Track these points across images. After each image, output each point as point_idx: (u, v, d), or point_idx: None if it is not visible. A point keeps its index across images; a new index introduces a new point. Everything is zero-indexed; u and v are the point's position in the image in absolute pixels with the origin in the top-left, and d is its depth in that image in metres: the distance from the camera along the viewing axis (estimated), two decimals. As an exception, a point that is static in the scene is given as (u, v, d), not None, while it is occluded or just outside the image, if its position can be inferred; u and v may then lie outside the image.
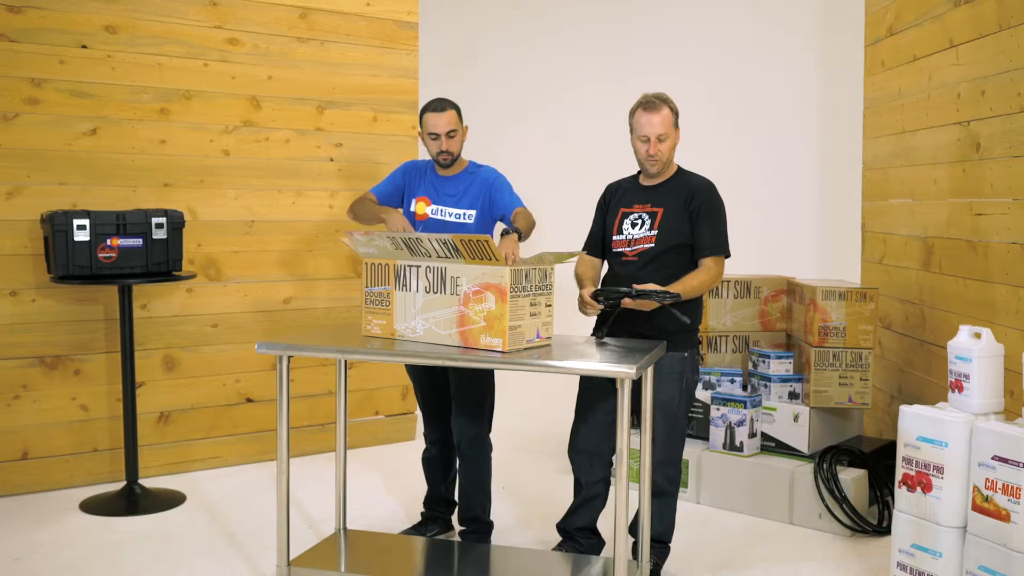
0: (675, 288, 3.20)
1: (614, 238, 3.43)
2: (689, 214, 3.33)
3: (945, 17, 4.16)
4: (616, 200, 3.49)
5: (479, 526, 3.70)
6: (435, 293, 3.10)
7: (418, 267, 3.13)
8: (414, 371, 3.83)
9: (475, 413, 3.63)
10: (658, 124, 3.31)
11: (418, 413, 5.03)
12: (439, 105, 3.67)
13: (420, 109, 3.78)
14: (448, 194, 3.70)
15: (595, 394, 3.38)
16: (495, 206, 3.67)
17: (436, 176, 3.75)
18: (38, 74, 4.25)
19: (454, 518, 3.85)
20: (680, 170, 3.45)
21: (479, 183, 3.69)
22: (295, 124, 4.91)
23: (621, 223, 3.42)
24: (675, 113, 3.37)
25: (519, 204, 3.67)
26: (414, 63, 5.26)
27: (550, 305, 3.08)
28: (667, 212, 3.34)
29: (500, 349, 2.94)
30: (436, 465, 3.84)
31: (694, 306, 3.37)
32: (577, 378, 3.45)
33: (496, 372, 3.68)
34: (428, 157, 3.78)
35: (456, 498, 3.83)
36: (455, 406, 3.67)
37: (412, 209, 3.74)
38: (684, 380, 3.35)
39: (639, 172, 3.49)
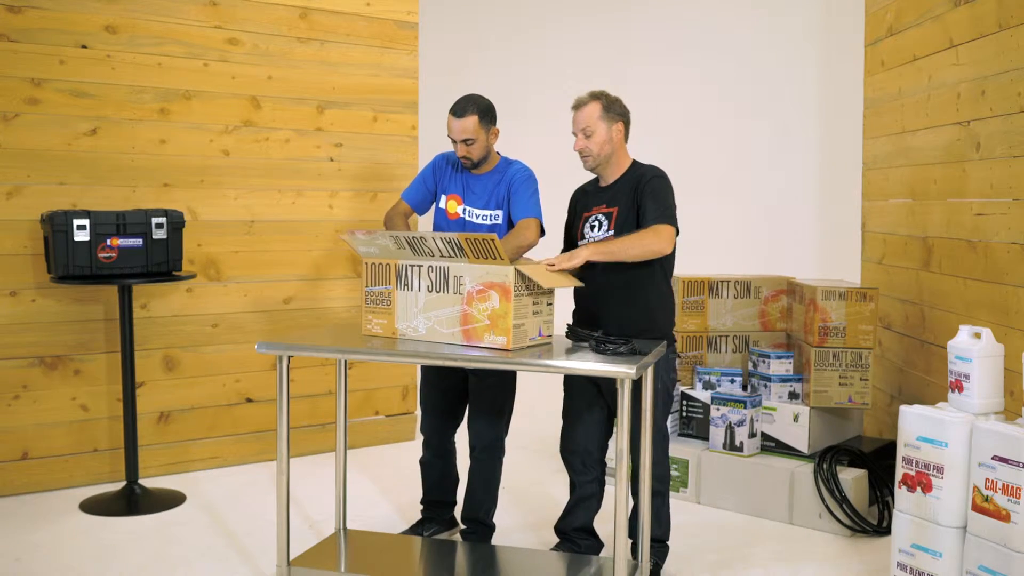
0: (609, 244, 3.14)
1: (579, 243, 3.42)
2: (636, 203, 3.28)
3: (945, 17, 4.16)
4: (580, 206, 3.48)
5: (481, 528, 3.69)
6: (437, 292, 3.10)
7: (420, 266, 3.14)
8: (428, 370, 3.75)
9: (494, 418, 3.59)
10: (580, 120, 3.31)
11: (418, 413, 5.02)
12: (460, 109, 3.47)
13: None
14: (476, 194, 3.59)
15: (580, 395, 3.40)
16: (512, 209, 3.56)
17: (467, 173, 3.62)
18: (38, 74, 4.25)
19: (456, 514, 3.82)
20: (634, 164, 3.40)
21: (504, 183, 3.57)
22: (295, 124, 4.91)
23: (583, 228, 3.41)
24: (606, 106, 3.31)
25: (528, 214, 3.49)
26: (414, 63, 5.26)
27: (551, 304, 3.11)
28: (621, 209, 3.32)
29: (504, 347, 2.95)
30: (433, 470, 3.80)
31: (665, 307, 3.36)
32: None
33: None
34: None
35: (456, 497, 3.82)
36: (473, 409, 3.62)
37: (442, 206, 3.63)
38: (659, 380, 3.33)
39: None
